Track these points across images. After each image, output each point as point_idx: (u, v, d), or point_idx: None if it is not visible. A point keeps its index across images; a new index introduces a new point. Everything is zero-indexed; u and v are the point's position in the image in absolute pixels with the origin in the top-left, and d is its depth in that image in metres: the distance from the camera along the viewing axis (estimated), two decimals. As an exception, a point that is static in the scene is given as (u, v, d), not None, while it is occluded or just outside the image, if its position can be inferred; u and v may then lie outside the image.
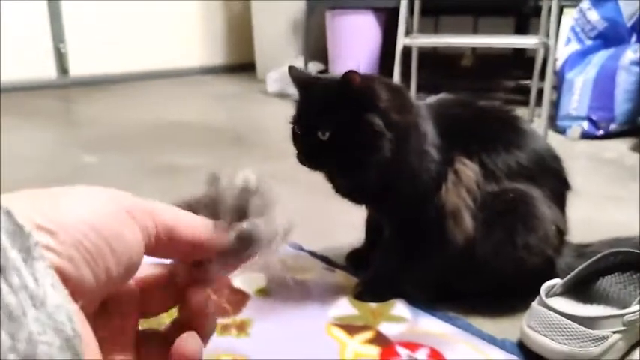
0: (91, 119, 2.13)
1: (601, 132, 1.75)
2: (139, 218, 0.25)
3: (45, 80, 2.68)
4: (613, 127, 1.75)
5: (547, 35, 1.66)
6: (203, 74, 3.29)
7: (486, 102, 0.83)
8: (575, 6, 1.92)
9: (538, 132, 0.87)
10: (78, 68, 2.82)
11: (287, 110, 0.74)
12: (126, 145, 1.67)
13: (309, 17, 2.48)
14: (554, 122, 1.86)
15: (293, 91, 0.76)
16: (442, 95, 0.82)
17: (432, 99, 0.81)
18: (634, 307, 0.65)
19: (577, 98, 1.78)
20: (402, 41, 1.64)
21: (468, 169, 0.72)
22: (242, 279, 0.78)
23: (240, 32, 3.38)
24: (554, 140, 1.76)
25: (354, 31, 2.37)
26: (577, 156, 1.61)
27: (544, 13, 1.61)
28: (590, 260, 0.73)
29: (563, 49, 1.92)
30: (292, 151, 0.73)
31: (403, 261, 0.75)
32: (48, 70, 2.74)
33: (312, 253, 0.89)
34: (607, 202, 1.22)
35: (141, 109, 2.28)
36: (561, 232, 0.77)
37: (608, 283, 0.77)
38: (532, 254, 0.72)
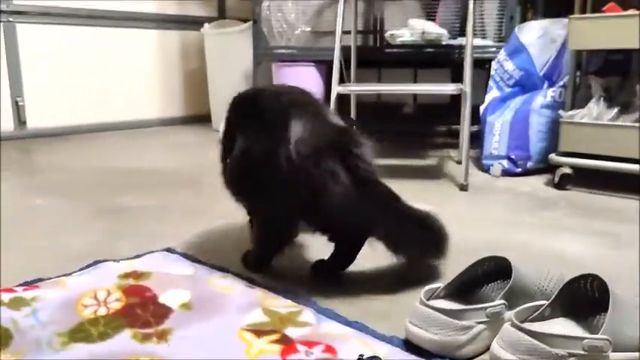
0: (46, 168, 2.20)
1: (519, 169, 1.93)
2: None
3: (3, 132, 2.75)
4: (530, 164, 1.93)
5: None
6: (161, 126, 3.42)
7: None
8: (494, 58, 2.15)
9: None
10: (36, 120, 2.90)
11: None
12: (77, 189, 1.74)
13: (256, 70, 2.66)
14: (480, 161, 2.04)
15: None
16: None
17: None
18: (497, 302, 0.77)
19: (497, 139, 1.96)
20: (335, 89, 1.80)
21: None
22: (166, 295, 0.87)
23: (196, 85, 3.54)
24: (480, 177, 1.94)
25: (298, 82, 2.50)
26: (498, 191, 1.77)
27: (465, 64, 1.80)
28: (467, 267, 0.85)
29: (486, 95, 2.13)
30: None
31: None
32: (6, 123, 2.80)
33: (236, 274, 0.99)
34: (515, 227, 1.36)
35: (96, 158, 2.37)
36: None
37: (490, 289, 0.89)
38: None
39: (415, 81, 3.05)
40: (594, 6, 1.78)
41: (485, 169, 1.98)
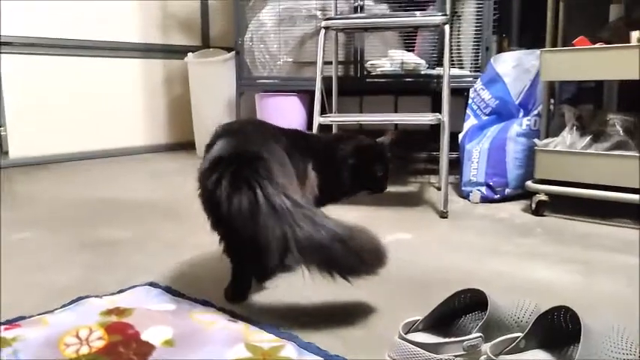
0: (29, 199, 2.19)
1: (498, 196, 1.97)
2: None
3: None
4: (508, 191, 1.98)
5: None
6: (145, 153, 3.43)
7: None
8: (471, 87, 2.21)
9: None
10: (18, 150, 2.89)
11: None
12: (59, 221, 1.74)
13: (239, 99, 2.70)
14: (459, 187, 2.08)
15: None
16: None
17: None
18: (474, 335, 0.79)
19: (476, 166, 2.01)
20: (317, 120, 1.84)
21: None
22: (149, 332, 0.87)
23: (180, 113, 3.56)
24: (459, 203, 1.97)
25: (281, 111, 2.59)
26: (477, 217, 1.80)
27: (443, 94, 1.85)
28: (445, 299, 0.88)
29: (464, 123, 2.18)
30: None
31: None
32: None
33: (220, 308, 1.00)
34: (493, 255, 1.39)
35: (79, 188, 2.37)
36: None
37: (468, 320, 0.92)
38: None
39: (396, 108, 3.11)
40: (565, 38, 1.85)
41: (465, 196, 2.02)
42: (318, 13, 2.49)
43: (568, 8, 1.86)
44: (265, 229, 0.90)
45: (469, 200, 2.00)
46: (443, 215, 1.75)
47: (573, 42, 1.73)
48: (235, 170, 0.93)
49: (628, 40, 1.63)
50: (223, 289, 1.07)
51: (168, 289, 1.09)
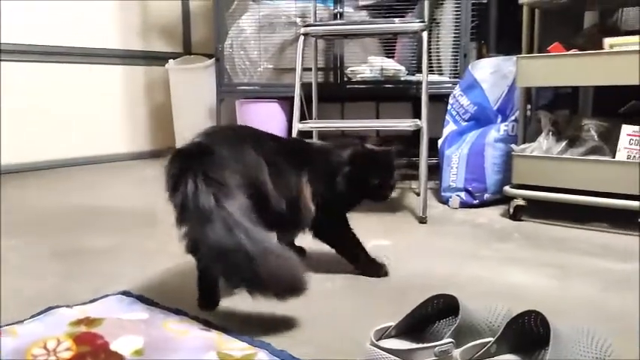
0: (5, 207, 2.15)
1: (477, 201, 1.98)
2: None
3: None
4: (487, 196, 1.99)
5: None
6: (127, 160, 3.40)
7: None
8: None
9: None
10: (6, 157, 2.84)
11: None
12: (36, 229, 1.71)
13: (219, 106, 2.69)
14: (439, 193, 2.09)
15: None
16: None
17: None
18: (445, 340, 0.79)
19: (455, 172, 2.02)
20: (296, 126, 1.84)
21: None
22: (118, 342, 0.86)
23: (161, 120, 3.54)
24: (439, 209, 1.98)
25: (261, 118, 2.59)
26: (456, 223, 1.81)
27: (422, 100, 1.86)
28: (418, 305, 0.88)
29: (444, 129, 2.20)
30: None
31: None
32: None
33: (194, 317, 0.98)
34: (471, 260, 1.40)
35: (61, 195, 2.34)
36: None
37: (442, 325, 0.92)
38: None
39: (377, 114, 3.12)
40: (541, 45, 1.88)
41: (444, 201, 2.03)
42: (298, 19, 2.50)
43: (544, 15, 1.89)
44: (189, 226, 0.94)
45: (449, 205, 2.01)
46: (422, 221, 1.76)
47: (548, 48, 1.75)
48: (178, 165, 0.98)
49: (601, 47, 1.66)
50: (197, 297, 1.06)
51: (141, 298, 1.07)
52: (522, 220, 1.77)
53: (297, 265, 0.94)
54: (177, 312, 1.00)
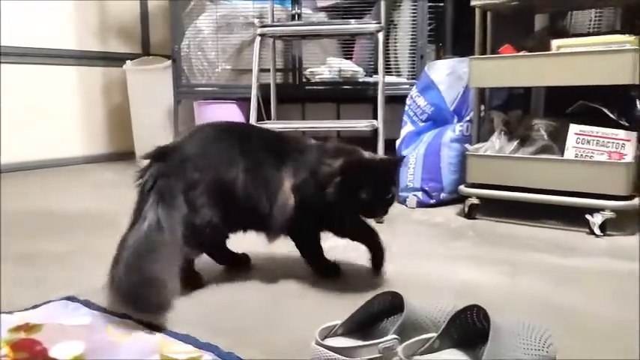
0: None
1: (434, 200, 2.01)
2: None
3: None
4: (443, 195, 2.02)
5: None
6: (85, 163, 3.32)
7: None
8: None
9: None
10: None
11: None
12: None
13: (177, 107, 2.65)
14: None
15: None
16: None
17: None
18: (389, 337, 0.80)
19: (412, 172, 2.04)
20: (253, 127, 1.82)
21: None
22: (58, 348, 0.83)
23: (119, 122, 3.46)
24: (397, 209, 1.99)
25: (220, 119, 2.55)
26: (412, 222, 1.83)
27: (378, 100, 1.88)
28: (365, 303, 0.88)
29: (401, 130, 2.22)
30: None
31: None
32: None
33: (138, 320, 0.96)
34: (426, 259, 1.41)
35: (14, 198, 2.26)
36: None
37: (389, 323, 0.92)
38: None
39: (338, 115, 3.13)
40: (494, 47, 1.92)
41: (402, 201, 2.05)
42: (256, 20, 2.49)
43: (496, 18, 1.93)
44: None
45: (406, 205, 2.02)
46: (378, 221, 1.76)
47: (499, 50, 1.79)
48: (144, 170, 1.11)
49: (550, 49, 1.70)
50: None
51: (86, 303, 1.04)
52: (477, 219, 1.81)
53: (166, 291, 0.95)
54: (122, 316, 0.97)
